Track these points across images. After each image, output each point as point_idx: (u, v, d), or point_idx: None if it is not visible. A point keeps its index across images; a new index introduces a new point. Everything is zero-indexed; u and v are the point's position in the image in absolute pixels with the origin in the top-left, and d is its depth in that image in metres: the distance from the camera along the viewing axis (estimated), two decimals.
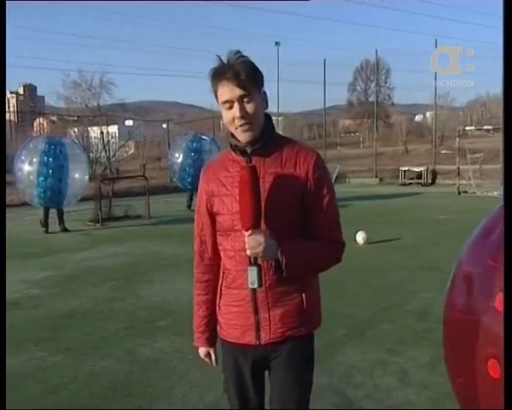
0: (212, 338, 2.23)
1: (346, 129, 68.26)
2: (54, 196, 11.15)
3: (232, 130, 2.01)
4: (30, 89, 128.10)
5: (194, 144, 15.57)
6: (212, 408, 3.56)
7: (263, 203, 1.93)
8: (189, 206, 15.15)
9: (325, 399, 3.58)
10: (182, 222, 12.62)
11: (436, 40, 23.67)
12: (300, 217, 2.01)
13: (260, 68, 2.03)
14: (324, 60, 28.49)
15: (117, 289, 6.69)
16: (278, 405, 2.11)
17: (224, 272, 2.11)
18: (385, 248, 8.88)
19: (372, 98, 41.86)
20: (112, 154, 18.98)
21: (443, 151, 28.85)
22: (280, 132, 2.29)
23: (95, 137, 22.14)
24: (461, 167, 19.13)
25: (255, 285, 1.94)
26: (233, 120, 1.97)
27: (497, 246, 2.47)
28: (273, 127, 2.08)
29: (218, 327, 2.18)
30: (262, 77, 2.02)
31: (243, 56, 1.98)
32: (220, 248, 2.11)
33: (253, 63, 1.99)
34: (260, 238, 1.90)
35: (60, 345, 4.75)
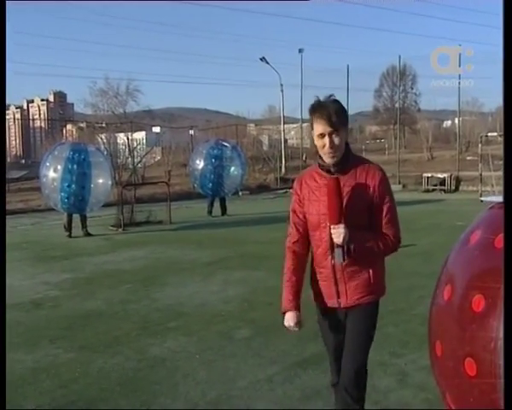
0: (298, 304, 2.83)
1: (372, 135, 67.82)
2: (77, 203, 11.40)
3: (321, 153, 2.71)
4: (60, 96, 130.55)
5: (215, 151, 15.65)
6: (212, 404, 3.72)
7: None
8: (210, 212, 15.19)
9: (323, 398, 3.68)
10: (201, 228, 12.86)
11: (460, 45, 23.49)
12: (367, 217, 2.73)
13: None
14: (348, 66, 28.47)
15: (132, 291, 6.88)
16: (348, 349, 2.87)
17: (313, 256, 2.85)
18: (398, 253, 8.74)
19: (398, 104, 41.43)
20: (138, 160, 19.22)
21: (468, 158, 28.46)
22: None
23: (122, 144, 22.40)
24: (484, 174, 18.92)
25: (341, 260, 2.68)
26: (323, 147, 2.66)
27: (475, 249, 2.58)
28: (350, 151, 2.74)
29: (313, 294, 2.92)
30: (347, 117, 2.71)
31: (336, 100, 2.67)
32: (310, 238, 2.82)
33: (343, 107, 2.69)
34: (341, 230, 2.62)
35: (74, 343, 4.96)
